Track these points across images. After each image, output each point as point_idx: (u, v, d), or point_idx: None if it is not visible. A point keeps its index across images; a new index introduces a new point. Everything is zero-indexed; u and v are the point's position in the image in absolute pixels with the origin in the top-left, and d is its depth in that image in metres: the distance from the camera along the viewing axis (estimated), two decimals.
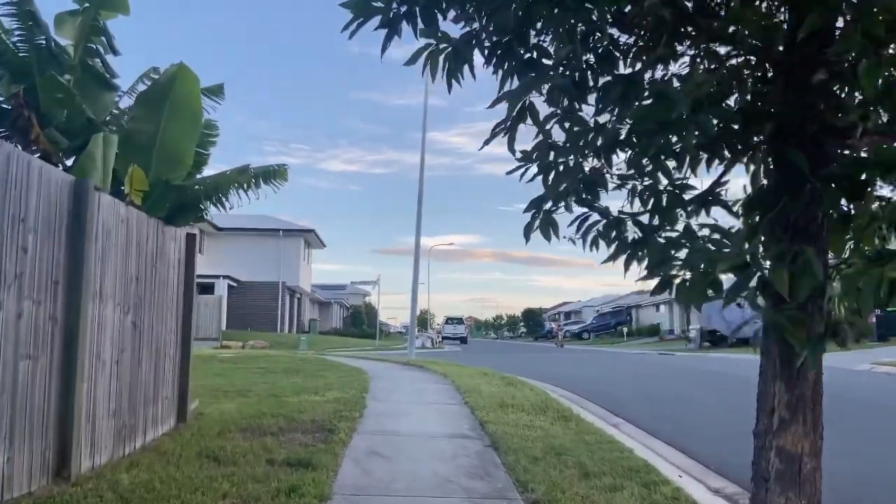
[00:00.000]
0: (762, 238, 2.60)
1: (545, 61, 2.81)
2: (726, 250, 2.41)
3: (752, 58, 2.73)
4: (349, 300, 61.16)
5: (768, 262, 2.40)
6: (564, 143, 2.81)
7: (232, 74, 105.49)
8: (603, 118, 2.74)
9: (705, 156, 2.72)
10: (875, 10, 2.15)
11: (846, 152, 2.51)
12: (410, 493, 4.47)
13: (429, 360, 13.82)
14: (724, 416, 8.65)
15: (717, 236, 2.51)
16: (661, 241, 2.69)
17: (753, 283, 2.37)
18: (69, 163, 5.98)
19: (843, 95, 2.57)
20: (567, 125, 2.78)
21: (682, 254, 2.55)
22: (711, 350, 29.16)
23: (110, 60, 6.48)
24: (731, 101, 2.73)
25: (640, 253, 2.78)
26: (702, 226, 2.62)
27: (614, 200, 2.97)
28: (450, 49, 2.74)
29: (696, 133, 2.36)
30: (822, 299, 2.36)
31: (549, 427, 6.90)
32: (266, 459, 5.15)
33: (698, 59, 2.75)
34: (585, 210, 2.89)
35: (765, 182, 2.75)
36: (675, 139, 2.48)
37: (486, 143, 3.03)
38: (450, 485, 4.70)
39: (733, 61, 2.74)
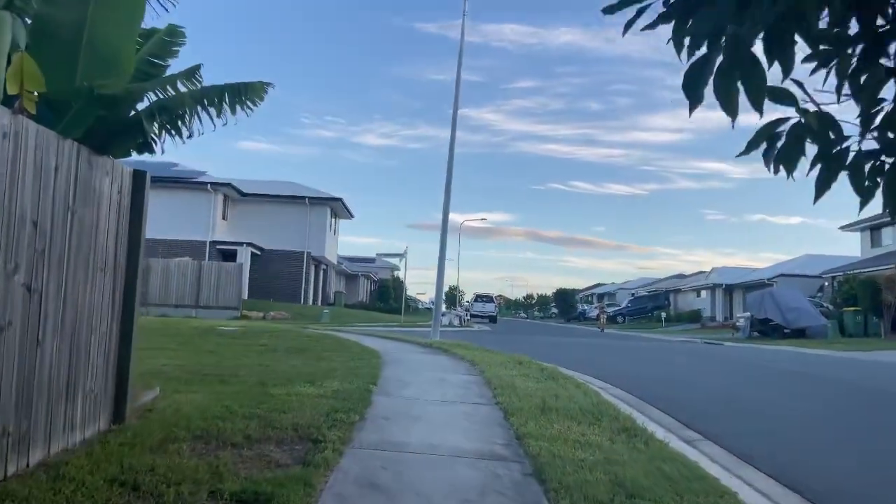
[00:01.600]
0: None
1: None
2: None
3: None
4: (378, 274, 59.87)
5: None
6: None
7: (268, 45, 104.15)
8: None
9: None
10: None
11: None
12: None
13: (454, 344, 12.10)
14: (847, 438, 6.78)
15: None
16: None
17: None
18: None
19: None
20: None
21: None
22: (763, 341, 26.95)
23: None
24: None
25: None
26: None
27: None
28: None
29: None
30: None
31: (610, 446, 5.12)
32: (208, 492, 3.49)
33: None
34: None
35: None
36: None
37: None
38: None
39: None
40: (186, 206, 33.32)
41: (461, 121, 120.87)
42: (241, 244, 33.66)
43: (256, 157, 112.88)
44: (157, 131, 4.57)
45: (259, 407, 5.56)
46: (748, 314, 30.61)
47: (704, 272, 60.15)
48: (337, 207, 38.65)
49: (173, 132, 4.63)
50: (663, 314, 49.68)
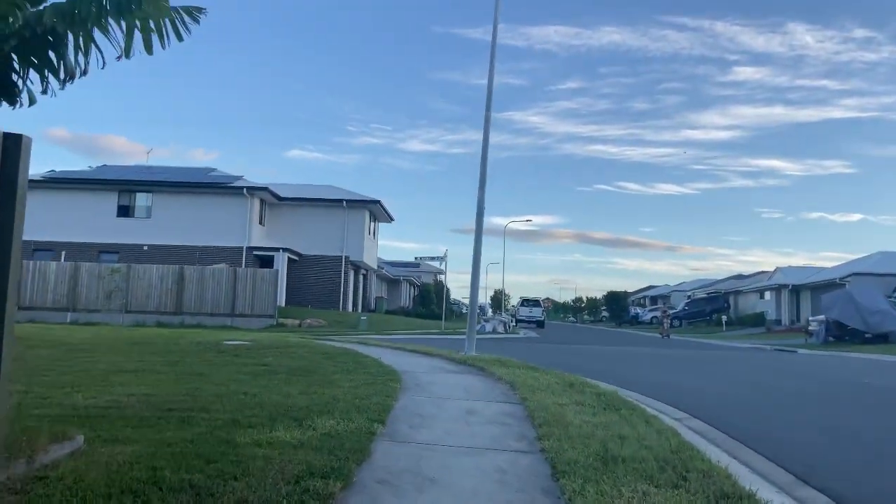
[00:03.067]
0: None
1: None
2: None
3: None
4: (421, 278, 58.44)
5: None
6: None
7: (315, 57, 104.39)
8: None
9: None
10: None
11: None
12: None
13: (492, 359, 10.33)
14: None
15: None
16: None
17: None
18: None
19: None
20: None
21: None
22: (842, 347, 24.26)
23: None
24: None
25: None
26: None
27: None
28: None
29: None
30: None
31: None
32: None
33: None
34: None
35: None
36: None
37: None
38: None
39: None
40: (222, 212, 32.47)
41: (506, 124, 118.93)
42: (277, 250, 32.59)
43: (304, 165, 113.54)
44: (16, 68, 2.99)
45: (205, 468, 3.95)
46: (822, 317, 27.85)
47: (766, 272, 56.74)
48: (375, 210, 37.29)
49: (45, 70, 3.04)
50: (724, 317, 46.69)
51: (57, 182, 33.04)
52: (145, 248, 32.20)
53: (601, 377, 10.33)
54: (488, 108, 11.17)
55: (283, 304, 31.80)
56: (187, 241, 32.08)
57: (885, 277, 35.02)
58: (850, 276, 38.45)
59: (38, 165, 34.48)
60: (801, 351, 23.92)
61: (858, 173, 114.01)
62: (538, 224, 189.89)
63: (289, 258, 33.40)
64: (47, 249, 31.78)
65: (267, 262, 32.34)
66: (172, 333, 13.33)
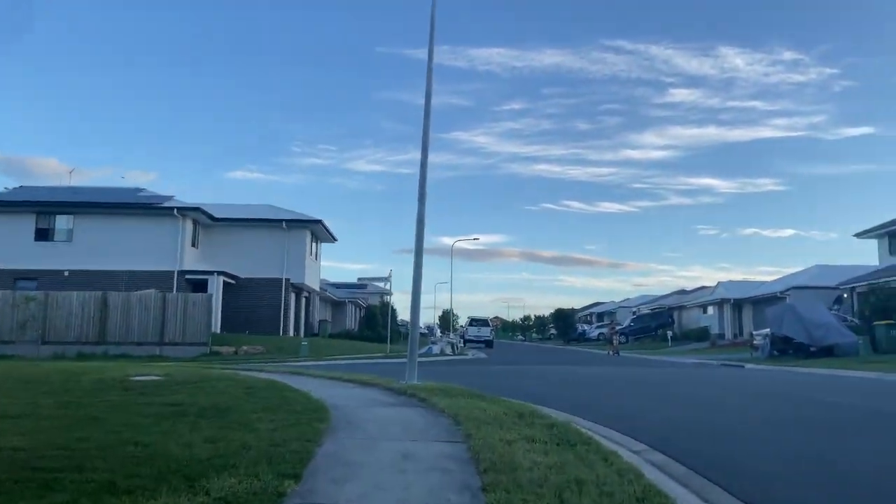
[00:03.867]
0: None
1: None
2: None
3: None
4: (368, 300, 57.14)
5: None
6: None
7: (260, 76, 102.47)
8: None
9: None
10: None
11: None
12: None
13: (436, 388, 9.46)
14: None
15: None
16: None
17: None
18: None
19: None
20: None
21: None
22: (787, 362, 24.29)
23: None
24: None
25: None
26: None
27: None
28: None
29: None
30: None
31: None
32: None
33: None
34: None
35: None
36: None
37: None
38: None
39: None
40: (152, 234, 30.76)
41: (452, 144, 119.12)
42: (211, 273, 31.00)
43: (248, 186, 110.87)
44: None
45: None
46: (767, 331, 28.00)
47: (708, 287, 57.70)
48: (317, 230, 36.08)
49: None
50: (669, 333, 47.03)
51: None
52: (66, 273, 30.14)
53: (552, 403, 9.58)
54: (427, 116, 10.41)
55: (219, 330, 30.20)
56: (113, 266, 30.17)
57: (823, 290, 35.76)
58: (789, 289, 39.19)
59: None
60: (748, 366, 23.84)
61: (789, 190, 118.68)
62: (486, 243, 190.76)
63: (224, 282, 31.82)
64: None
65: (200, 286, 30.71)
66: (79, 368, 11.98)
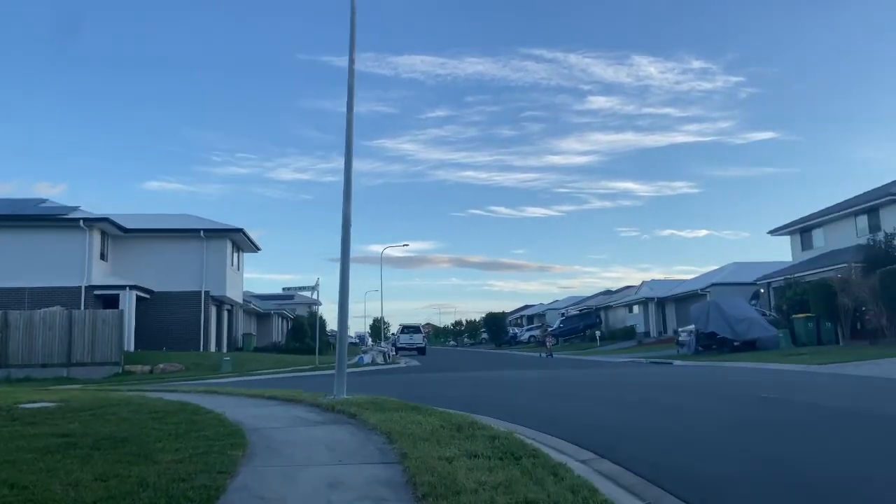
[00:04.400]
0: None
1: None
2: None
3: None
4: (296, 311, 55.48)
5: None
6: None
7: (174, 84, 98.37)
8: None
9: None
10: None
11: None
12: None
13: (366, 402, 8.79)
14: None
15: None
16: None
17: None
18: None
19: None
20: None
21: None
22: (713, 357, 24.80)
23: None
24: None
25: None
26: None
27: None
28: None
29: None
30: None
31: None
32: None
33: None
34: None
35: None
36: None
37: None
38: None
39: None
40: (56, 248, 28.60)
41: (378, 151, 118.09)
42: (123, 287, 29.10)
43: (165, 197, 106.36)
44: None
45: None
46: (692, 328, 28.62)
47: (633, 287, 59.09)
48: (238, 239, 34.58)
49: None
50: (597, 333, 47.73)
51: None
52: None
53: (491, 411, 9.09)
54: (350, 109, 9.74)
55: (132, 348, 28.37)
56: (13, 283, 27.89)
57: (740, 286, 37.00)
58: (709, 286, 40.43)
59: None
60: (676, 363, 24.19)
61: (703, 192, 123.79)
62: (415, 250, 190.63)
63: (138, 296, 29.95)
64: None
65: (112, 301, 28.78)
66: None
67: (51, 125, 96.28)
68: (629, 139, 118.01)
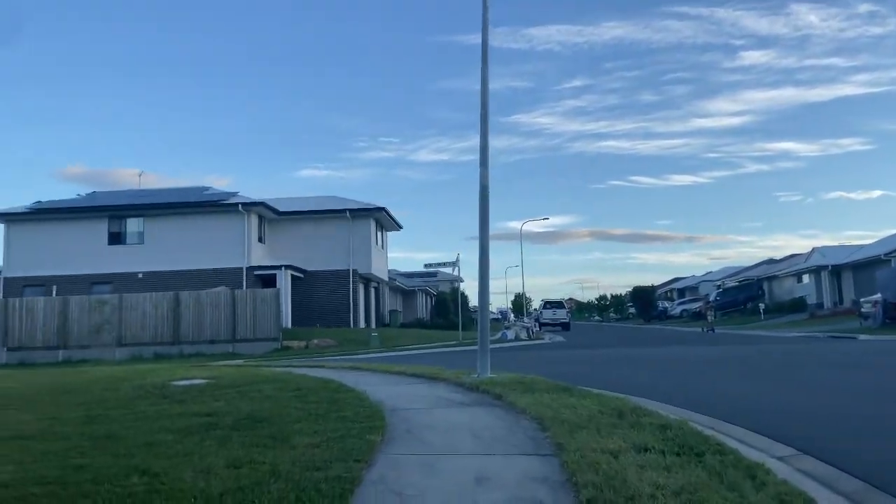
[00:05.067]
0: None
1: None
2: None
3: None
4: (438, 287, 56.27)
5: None
6: None
7: (318, 75, 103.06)
8: None
9: None
10: None
11: None
12: None
13: (512, 381, 8.10)
14: None
15: None
16: None
17: None
18: None
19: None
20: None
21: None
22: None
23: None
24: None
25: None
26: None
27: None
28: None
29: None
30: None
31: None
32: None
33: None
34: None
35: None
36: None
37: None
38: None
39: None
40: (219, 232, 30.58)
41: (514, 128, 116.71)
42: (279, 267, 30.60)
43: (316, 184, 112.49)
44: None
45: None
46: (877, 297, 25.19)
47: (799, 255, 53.82)
48: (381, 218, 35.21)
49: None
50: (760, 306, 43.89)
51: (43, 213, 31.38)
52: (140, 275, 30.37)
53: (656, 395, 8.06)
54: (484, 61, 8.99)
55: (289, 324, 29.80)
56: (184, 266, 30.21)
57: None
58: (894, 251, 35.66)
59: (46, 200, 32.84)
60: (861, 337, 21.35)
61: (876, 149, 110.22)
62: (555, 225, 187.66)
63: (292, 276, 31.40)
64: (38, 285, 30.08)
65: (269, 281, 30.38)
66: (124, 373, 11.26)
67: (219, 122, 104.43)
68: (788, 95, 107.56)
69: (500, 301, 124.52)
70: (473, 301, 51.24)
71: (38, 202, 32.48)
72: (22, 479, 4.36)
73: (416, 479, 4.28)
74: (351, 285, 32.73)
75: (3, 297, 28.89)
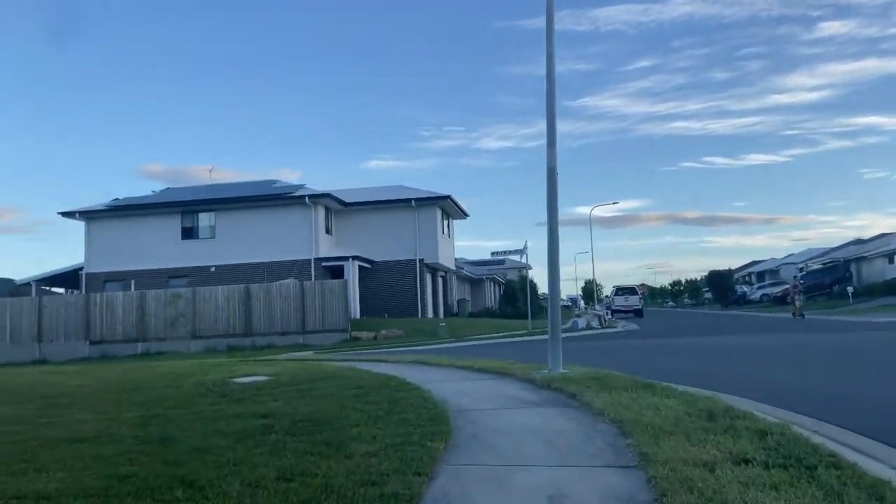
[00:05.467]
0: None
1: None
2: None
3: None
4: (507, 276, 55.62)
5: None
6: None
7: (384, 66, 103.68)
8: None
9: None
10: None
11: None
12: None
13: (586, 376, 7.51)
14: None
15: None
16: None
17: None
18: None
19: None
20: None
21: None
22: None
23: None
24: None
25: None
26: None
27: None
28: None
29: None
30: None
31: None
32: None
33: None
34: None
35: None
36: None
37: None
38: None
39: None
40: (286, 224, 30.93)
41: (580, 111, 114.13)
42: (347, 258, 30.70)
43: (382, 174, 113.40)
44: None
45: None
46: None
47: (891, 234, 50.38)
48: (447, 207, 34.84)
49: None
50: (849, 289, 41.24)
51: (120, 210, 32.51)
52: (212, 269, 31.09)
53: (748, 392, 7.29)
54: (549, 28, 8.36)
55: (358, 315, 29.89)
56: (253, 259, 30.74)
57: None
58: None
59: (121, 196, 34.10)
60: None
61: None
62: (625, 209, 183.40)
63: (360, 266, 31.47)
64: (118, 280, 31.21)
65: (337, 272, 30.53)
66: (188, 368, 11.25)
67: (289, 117, 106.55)
68: (871, 66, 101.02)
69: (569, 288, 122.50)
70: (542, 288, 50.36)
71: (116, 199, 33.70)
72: (68, 489, 4.13)
73: (482, 496, 3.80)
74: (418, 275, 32.55)
75: (86, 292, 30.14)
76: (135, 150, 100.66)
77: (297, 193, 31.36)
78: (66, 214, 32.25)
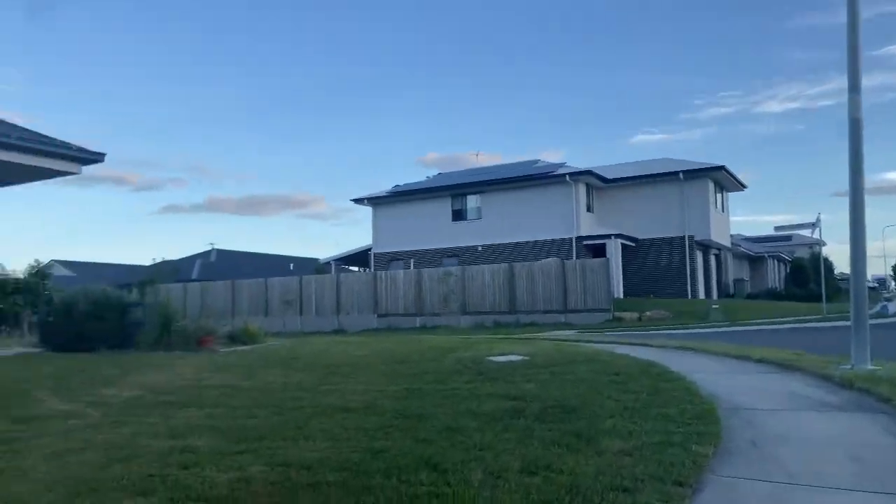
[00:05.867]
0: None
1: None
2: None
3: None
4: (794, 253, 49.47)
5: None
6: None
7: (649, 34, 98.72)
8: None
9: None
10: None
11: None
12: None
13: None
14: None
15: None
16: None
17: None
18: None
19: None
20: None
21: None
22: None
23: None
24: None
25: None
26: None
27: None
28: None
29: None
30: None
31: None
32: None
33: None
34: None
35: None
36: None
37: None
38: None
39: None
40: (547, 203, 31.01)
41: (887, 60, 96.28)
42: (609, 237, 29.78)
43: (649, 149, 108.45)
44: None
45: None
46: None
47: None
48: (720, 178, 31.83)
49: None
50: None
51: (400, 195, 35.48)
52: (479, 248, 32.46)
53: None
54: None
55: (621, 295, 28.88)
56: (516, 238, 31.40)
57: None
58: None
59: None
60: None
61: None
62: None
63: (623, 245, 30.30)
64: (400, 259, 34.24)
65: (599, 251, 29.78)
66: (450, 344, 11.60)
67: (553, 98, 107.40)
68: None
69: (876, 267, 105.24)
70: (839, 267, 43.80)
71: (397, 186, 36.91)
72: (327, 459, 4.34)
73: None
74: (687, 253, 30.33)
75: (373, 270, 33.61)
76: (415, 141, 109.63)
77: (558, 172, 31.18)
78: (356, 201, 36.27)
